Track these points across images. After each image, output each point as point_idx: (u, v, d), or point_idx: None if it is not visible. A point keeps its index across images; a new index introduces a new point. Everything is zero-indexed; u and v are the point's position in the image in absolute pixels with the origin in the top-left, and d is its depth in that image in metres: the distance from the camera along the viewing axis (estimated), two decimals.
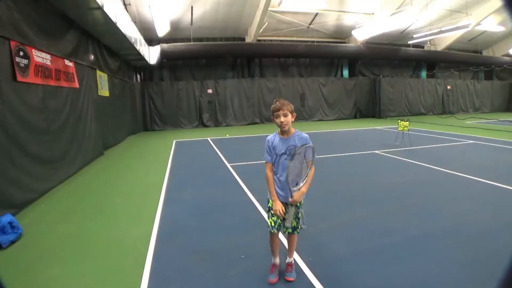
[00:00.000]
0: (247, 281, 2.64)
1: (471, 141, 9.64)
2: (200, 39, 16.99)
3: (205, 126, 16.96)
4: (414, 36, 17.37)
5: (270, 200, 2.55)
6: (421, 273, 2.67)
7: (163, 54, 15.44)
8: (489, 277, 2.43)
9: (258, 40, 17.50)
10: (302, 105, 18.46)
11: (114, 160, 8.54)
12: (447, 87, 21.94)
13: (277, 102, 2.46)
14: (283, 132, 2.49)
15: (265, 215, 3.86)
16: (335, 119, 19.23)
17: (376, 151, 8.29)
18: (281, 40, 18.47)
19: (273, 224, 2.55)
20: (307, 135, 2.52)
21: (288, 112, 2.43)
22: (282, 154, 2.45)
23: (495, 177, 5.44)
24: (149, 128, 16.25)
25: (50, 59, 5.86)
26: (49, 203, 4.93)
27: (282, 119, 2.42)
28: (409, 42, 19.21)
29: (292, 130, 2.51)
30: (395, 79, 20.56)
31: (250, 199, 4.75)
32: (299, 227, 2.58)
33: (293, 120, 2.48)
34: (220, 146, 10.08)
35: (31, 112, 5.14)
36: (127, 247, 3.36)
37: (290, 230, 2.55)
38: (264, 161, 2.58)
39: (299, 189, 2.42)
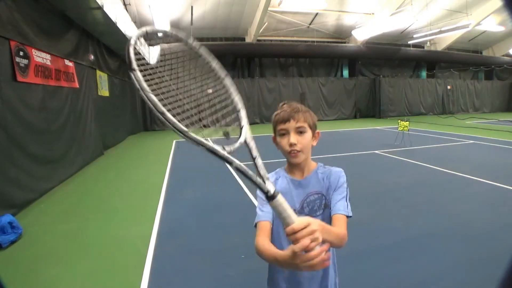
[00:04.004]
0: (247, 281, 2.64)
1: (471, 141, 9.64)
2: (200, 39, 16.96)
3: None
4: (414, 36, 17.37)
5: None
6: (421, 273, 2.67)
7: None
8: (489, 277, 2.43)
9: (258, 40, 17.50)
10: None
11: (114, 160, 8.54)
12: (447, 87, 21.95)
13: (284, 106, 1.23)
14: (294, 166, 1.25)
15: None
16: (335, 119, 19.23)
17: (376, 151, 8.29)
18: (281, 40, 18.47)
19: None
20: (340, 170, 1.29)
21: (305, 125, 1.19)
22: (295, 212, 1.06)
23: (495, 177, 5.44)
24: (149, 128, 16.25)
25: (50, 59, 5.86)
26: (49, 203, 4.93)
27: (293, 138, 1.16)
28: (409, 42, 19.21)
29: (313, 164, 1.28)
30: (395, 79, 20.56)
31: (250, 199, 4.74)
32: None
33: (314, 144, 1.25)
34: None
35: (31, 112, 5.14)
36: (127, 247, 3.36)
37: None
38: (255, 221, 1.20)
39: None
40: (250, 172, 0.87)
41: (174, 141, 11.54)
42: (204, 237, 3.54)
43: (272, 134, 1.24)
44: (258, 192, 1.19)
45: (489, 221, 3.73)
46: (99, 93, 9.22)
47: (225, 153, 0.85)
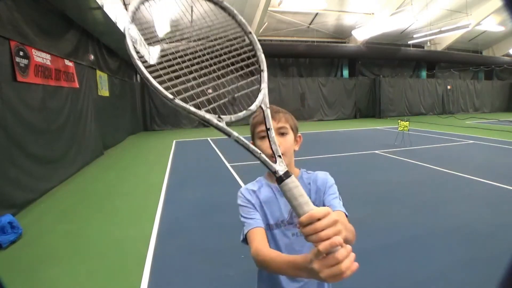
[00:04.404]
0: (247, 281, 2.63)
1: (471, 141, 9.64)
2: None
3: (205, 126, 16.96)
4: (414, 36, 17.38)
5: None
6: (421, 273, 2.67)
7: None
8: (489, 277, 2.43)
9: (258, 40, 17.49)
10: (302, 105, 18.47)
11: (114, 160, 8.54)
12: (447, 87, 21.96)
13: None
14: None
15: None
16: (335, 119, 19.23)
17: (376, 151, 8.28)
18: (281, 40, 18.47)
19: None
20: (326, 173, 1.19)
21: (287, 126, 1.10)
22: (282, 223, 1.11)
23: (495, 177, 5.44)
24: (149, 128, 16.25)
25: (50, 59, 5.86)
26: (49, 203, 4.93)
27: (277, 140, 0.86)
28: (409, 42, 19.23)
29: (296, 169, 1.16)
30: (395, 79, 20.56)
31: None
32: None
33: (296, 148, 1.15)
34: (220, 146, 10.07)
35: (31, 112, 5.14)
36: (127, 247, 3.36)
37: None
38: (243, 232, 1.11)
39: None
40: (252, 147, 0.74)
41: (174, 141, 11.53)
42: (204, 237, 3.54)
43: (251, 139, 1.08)
44: (239, 201, 1.13)
45: (489, 221, 3.73)
46: (99, 93, 9.22)
47: (219, 123, 0.74)
